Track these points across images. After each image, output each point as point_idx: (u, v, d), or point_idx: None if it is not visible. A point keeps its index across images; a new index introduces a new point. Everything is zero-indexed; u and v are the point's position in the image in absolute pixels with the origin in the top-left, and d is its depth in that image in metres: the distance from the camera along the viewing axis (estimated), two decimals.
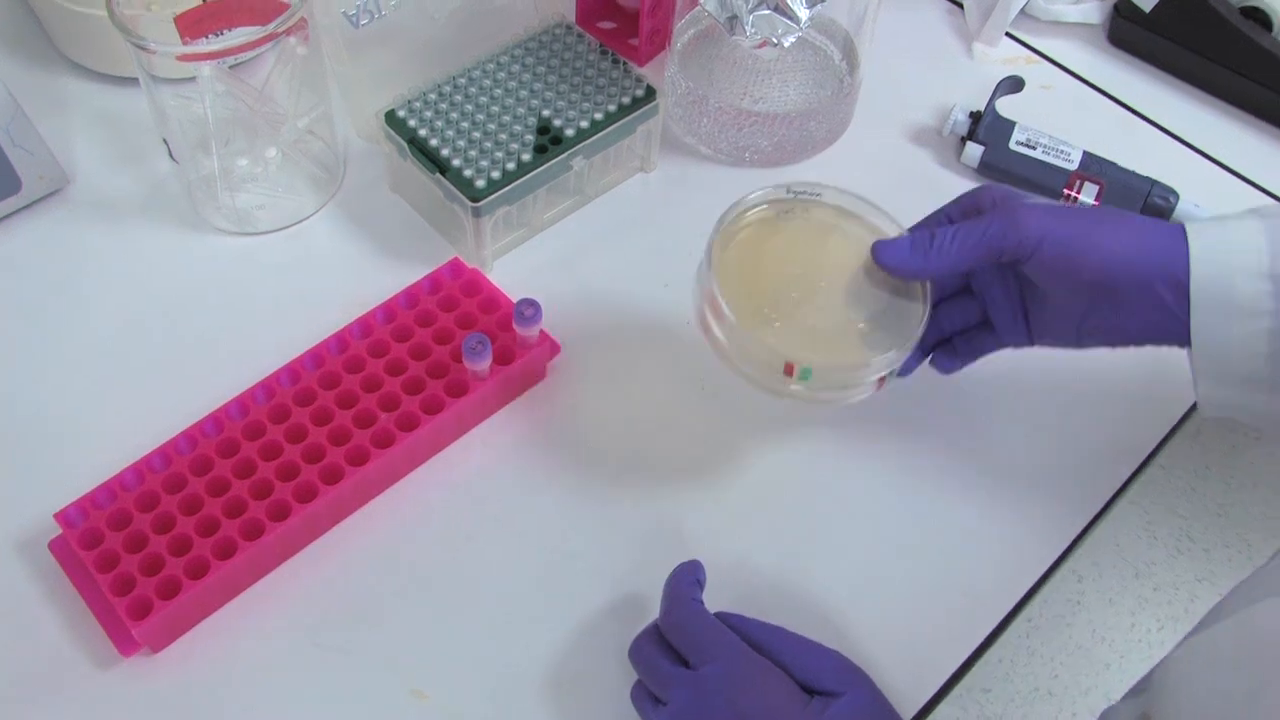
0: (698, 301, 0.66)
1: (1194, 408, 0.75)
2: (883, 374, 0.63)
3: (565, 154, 0.77)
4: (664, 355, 0.76)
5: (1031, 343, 0.67)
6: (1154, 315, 0.61)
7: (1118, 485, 0.73)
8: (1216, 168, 0.89)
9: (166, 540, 0.64)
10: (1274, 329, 0.59)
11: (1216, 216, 0.62)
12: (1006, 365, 0.69)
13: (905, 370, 0.66)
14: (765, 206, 0.68)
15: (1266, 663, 0.50)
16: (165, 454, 0.67)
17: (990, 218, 0.63)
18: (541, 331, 0.72)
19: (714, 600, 0.61)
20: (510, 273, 0.79)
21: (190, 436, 0.67)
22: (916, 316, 0.65)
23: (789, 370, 0.62)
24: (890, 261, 0.65)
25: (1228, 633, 0.55)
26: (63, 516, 0.64)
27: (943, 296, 0.69)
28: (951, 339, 0.69)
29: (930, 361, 0.69)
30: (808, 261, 0.67)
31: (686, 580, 0.61)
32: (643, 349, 0.76)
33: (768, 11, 0.71)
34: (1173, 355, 0.62)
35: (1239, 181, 0.88)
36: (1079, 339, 0.65)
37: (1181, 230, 0.60)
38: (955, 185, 0.86)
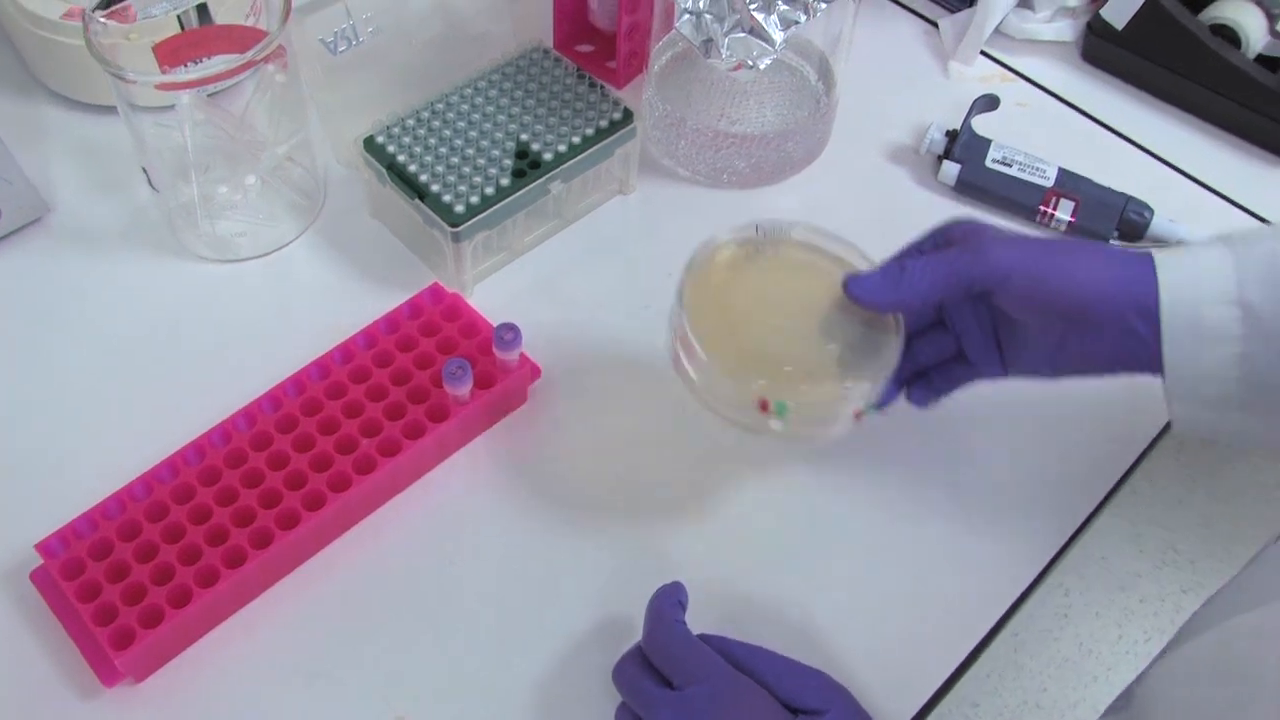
0: (670, 341, 0.66)
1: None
2: (858, 407, 0.64)
3: (544, 178, 0.77)
4: (645, 377, 0.76)
5: (1006, 374, 0.68)
6: (1126, 344, 0.61)
7: (1099, 499, 0.73)
8: (1190, 182, 0.90)
9: (149, 569, 0.64)
10: (1244, 353, 0.59)
11: (1182, 245, 0.63)
12: (982, 389, 0.70)
13: (882, 404, 0.66)
14: (735, 246, 0.68)
15: (1246, 677, 0.50)
16: (147, 482, 0.67)
17: (960, 250, 0.64)
18: (522, 355, 0.72)
19: (696, 621, 0.61)
20: (491, 297, 0.79)
21: (172, 464, 0.67)
22: (889, 349, 0.65)
23: (764, 407, 0.62)
24: (861, 294, 0.65)
25: (1208, 646, 0.55)
26: (44, 547, 0.64)
27: (917, 330, 0.70)
28: (927, 372, 0.70)
29: (906, 396, 0.70)
30: (780, 299, 0.67)
31: (669, 602, 0.61)
32: (624, 371, 0.76)
33: (742, 34, 0.71)
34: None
35: (1212, 196, 0.89)
36: (1053, 370, 0.65)
37: (1150, 259, 0.61)
38: (932, 204, 0.86)
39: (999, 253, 0.62)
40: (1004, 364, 0.68)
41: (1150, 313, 0.61)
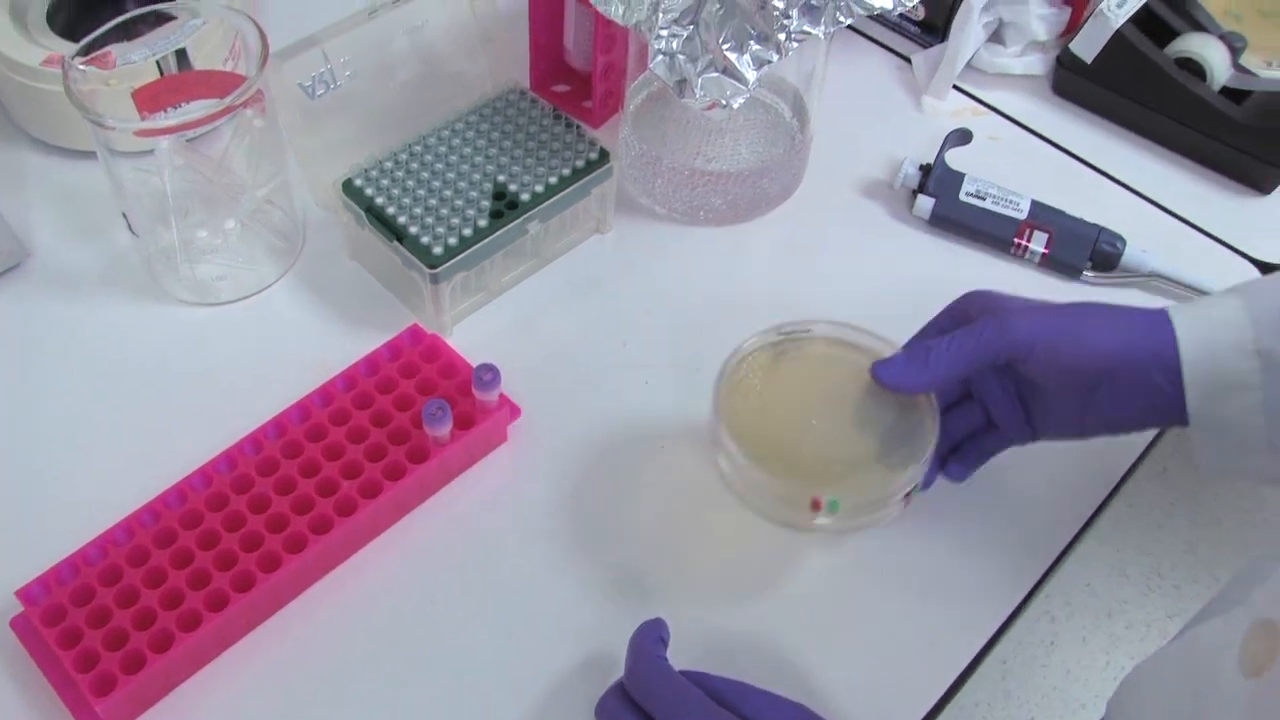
0: (712, 452, 0.67)
1: (1153, 444, 0.77)
2: (907, 490, 0.65)
3: (521, 218, 0.78)
4: (624, 415, 0.76)
5: (1036, 438, 0.70)
6: (1151, 401, 0.64)
7: (1080, 524, 0.74)
8: (1160, 212, 0.91)
9: (130, 614, 0.64)
10: (1267, 398, 0.62)
11: (1196, 300, 0.66)
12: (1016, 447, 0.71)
13: (926, 484, 0.68)
14: (761, 350, 0.69)
15: (1208, 680, 0.51)
16: (128, 527, 0.67)
17: (982, 324, 0.65)
18: (501, 395, 0.73)
19: (678, 657, 0.61)
20: (470, 337, 0.80)
21: (153, 509, 0.67)
22: (926, 429, 0.66)
23: (816, 505, 0.63)
24: (891, 379, 0.67)
25: (1175, 654, 0.57)
26: (25, 593, 0.64)
27: (945, 405, 0.71)
28: (960, 445, 0.72)
29: (942, 471, 0.71)
30: (813, 395, 0.68)
31: (650, 638, 0.61)
32: (603, 409, 0.77)
33: (716, 74, 0.72)
34: None
35: (1182, 225, 0.90)
36: (1081, 430, 0.68)
37: (1165, 316, 0.64)
38: (908, 237, 0.87)
39: (1022, 324, 0.65)
40: (1034, 429, 0.70)
41: (1172, 369, 0.63)
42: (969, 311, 0.68)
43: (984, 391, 0.70)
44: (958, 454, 0.72)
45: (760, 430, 0.66)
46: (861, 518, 0.65)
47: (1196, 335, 0.63)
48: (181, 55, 0.80)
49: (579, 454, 0.75)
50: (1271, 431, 0.62)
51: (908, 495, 0.65)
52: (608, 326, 0.81)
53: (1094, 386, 0.64)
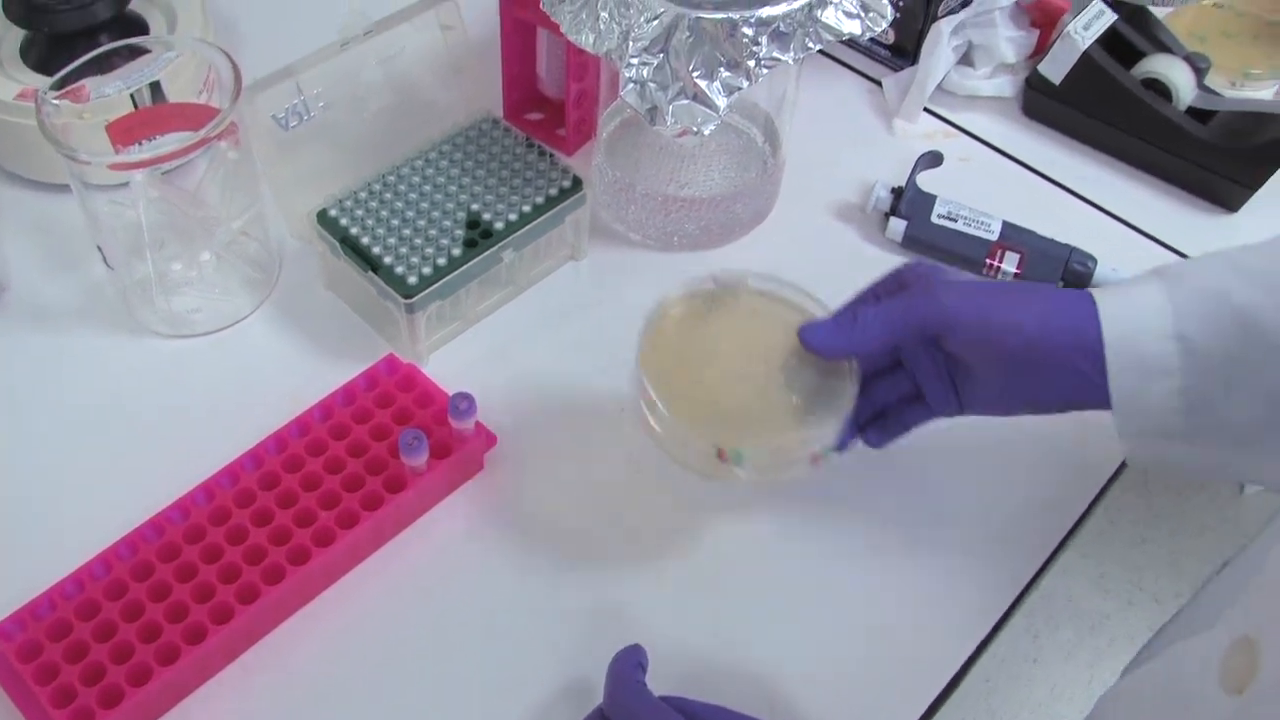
0: (635, 397, 0.67)
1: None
2: (815, 450, 0.65)
3: (495, 246, 0.78)
4: (600, 441, 0.77)
5: (962, 412, 0.70)
6: (1073, 382, 0.64)
7: (1060, 537, 0.75)
8: (1131, 231, 0.92)
9: (108, 648, 0.63)
10: (1185, 386, 0.62)
11: (1121, 281, 0.66)
12: (938, 427, 0.71)
13: (841, 446, 0.68)
14: (690, 300, 0.70)
15: (1190, 698, 0.51)
16: (106, 560, 0.67)
17: (910, 294, 0.65)
18: (478, 423, 0.73)
19: (658, 682, 0.61)
20: (446, 365, 0.80)
21: (130, 543, 0.67)
22: (845, 393, 0.66)
23: (722, 456, 0.64)
24: (816, 342, 0.67)
25: (1149, 676, 0.57)
26: (0, 630, 0.64)
27: (874, 372, 0.70)
28: (884, 413, 0.71)
29: (861, 436, 0.71)
30: (737, 348, 0.68)
31: (629, 664, 0.61)
32: (579, 436, 0.77)
33: (686, 101, 0.73)
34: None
35: (1152, 243, 0.91)
36: (1006, 408, 0.68)
37: (1090, 298, 0.63)
38: (881, 260, 0.88)
39: (949, 298, 0.65)
40: (960, 402, 0.70)
41: (1094, 352, 0.63)
42: (903, 281, 0.68)
43: (912, 363, 0.70)
44: (880, 422, 0.72)
45: (679, 379, 0.66)
46: (771, 473, 0.66)
47: (1118, 319, 0.63)
48: (155, 88, 0.81)
49: (556, 481, 0.75)
50: (1188, 420, 0.62)
51: (816, 456, 0.66)
52: (583, 353, 0.81)
53: (1018, 365, 0.64)
